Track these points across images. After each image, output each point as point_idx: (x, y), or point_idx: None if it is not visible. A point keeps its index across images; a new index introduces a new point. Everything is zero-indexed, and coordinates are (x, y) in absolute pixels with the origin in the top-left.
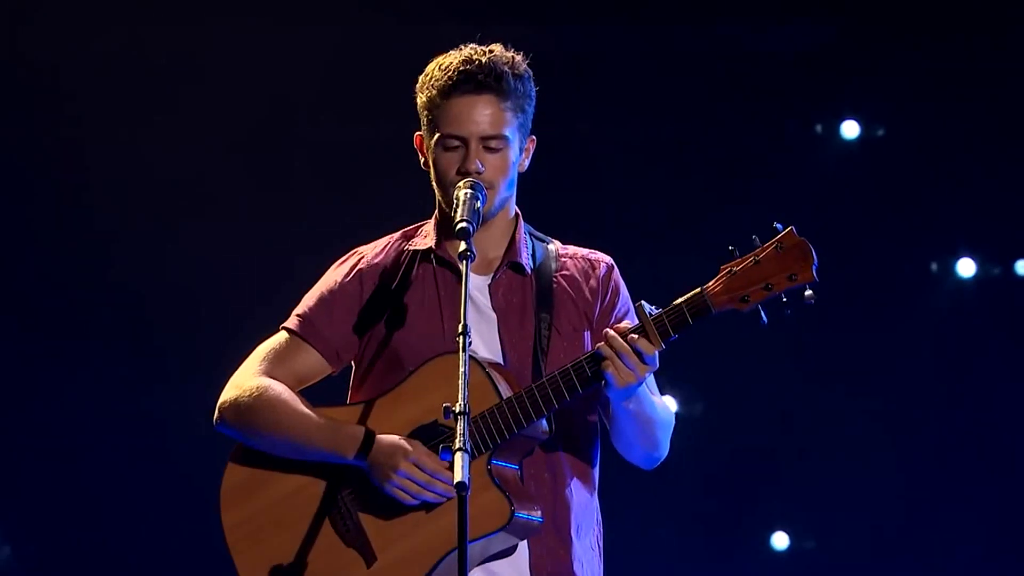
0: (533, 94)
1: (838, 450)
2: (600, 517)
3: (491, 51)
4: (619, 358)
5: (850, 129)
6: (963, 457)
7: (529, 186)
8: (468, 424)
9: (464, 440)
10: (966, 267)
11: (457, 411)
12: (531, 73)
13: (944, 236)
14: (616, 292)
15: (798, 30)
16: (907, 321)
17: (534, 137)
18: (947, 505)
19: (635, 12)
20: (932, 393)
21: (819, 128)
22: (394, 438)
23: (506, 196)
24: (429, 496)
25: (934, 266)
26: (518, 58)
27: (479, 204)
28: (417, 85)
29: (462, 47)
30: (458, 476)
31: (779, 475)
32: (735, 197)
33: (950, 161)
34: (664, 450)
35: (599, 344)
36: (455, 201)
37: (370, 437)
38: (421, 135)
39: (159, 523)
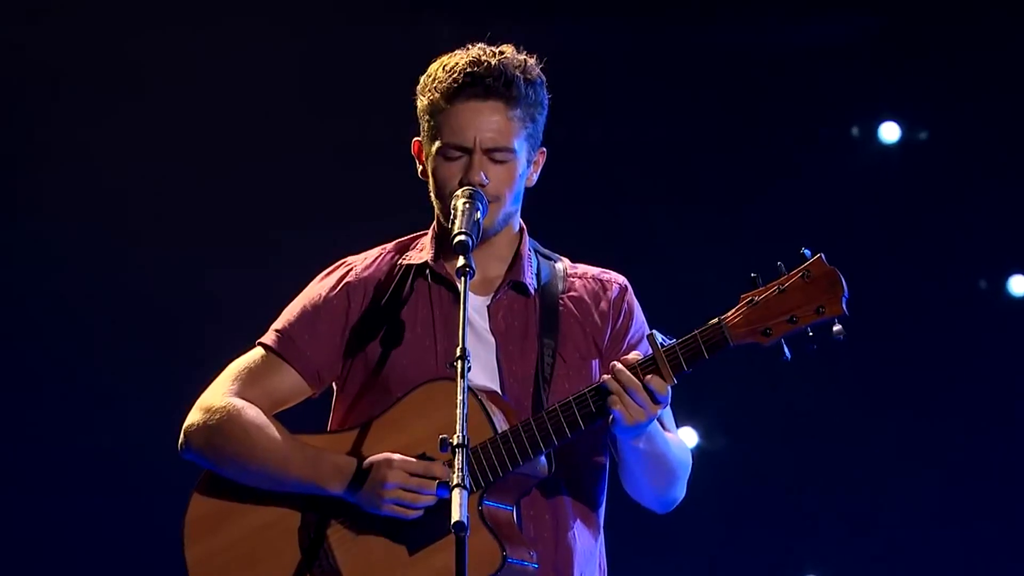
0: (546, 102)
1: (874, 485)
2: (605, 562)
3: (501, 52)
4: (627, 393)
5: (890, 132)
6: (1015, 492)
7: (534, 197)
8: (468, 457)
9: (463, 475)
10: (1019, 285)
11: (455, 443)
12: (544, 79)
13: (994, 251)
14: (629, 315)
15: (831, 23)
16: (953, 344)
17: (544, 149)
18: (996, 544)
19: (651, 5)
20: (979, 423)
21: (855, 131)
22: (375, 457)
23: (510, 211)
24: (427, 500)
25: (983, 284)
26: (531, 62)
27: (479, 215)
28: (418, 87)
29: (469, 46)
30: (456, 515)
31: (810, 513)
32: (762, 207)
33: (1000, 167)
34: (680, 492)
35: (605, 377)
36: (452, 211)
37: (354, 467)
38: (419, 141)
39: (117, 556)
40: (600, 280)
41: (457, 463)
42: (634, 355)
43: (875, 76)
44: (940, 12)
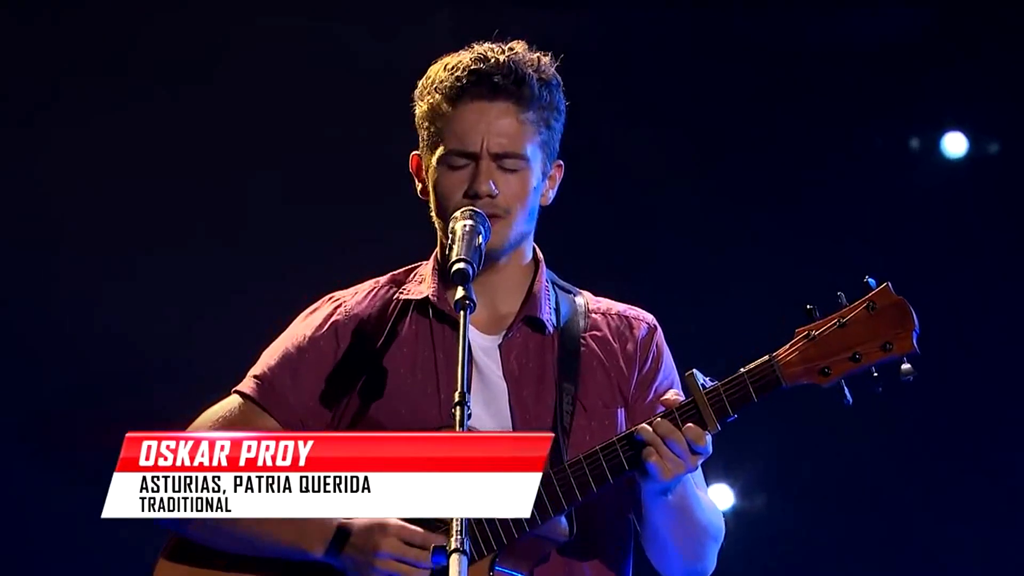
0: (563, 107)
1: (940, 552)
2: None
3: (511, 49)
4: (665, 444)
5: (955, 144)
6: None
7: (543, 213)
8: (468, 518)
9: (462, 539)
10: None
11: None
12: (560, 81)
13: None
14: (658, 358)
15: (886, 16)
16: None
17: (561, 163)
18: None
19: None
20: None
21: (915, 143)
22: (366, 519)
23: (523, 231)
24: (423, 575)
25: None
26: (545, 60)
27: (480, 240)
28: (416, 91)
29: (474, 44)
30: None
31: None
32: (811, 228)
33: None
34: (710, 564)
35: (639, 426)
36: (450, 235)
37: (343, 528)
38: (418, 155)
39: None
40: (626, 317)
41: (455, 524)
42: (672, 394)
43: (937, 80)
44: (1011, 5)
